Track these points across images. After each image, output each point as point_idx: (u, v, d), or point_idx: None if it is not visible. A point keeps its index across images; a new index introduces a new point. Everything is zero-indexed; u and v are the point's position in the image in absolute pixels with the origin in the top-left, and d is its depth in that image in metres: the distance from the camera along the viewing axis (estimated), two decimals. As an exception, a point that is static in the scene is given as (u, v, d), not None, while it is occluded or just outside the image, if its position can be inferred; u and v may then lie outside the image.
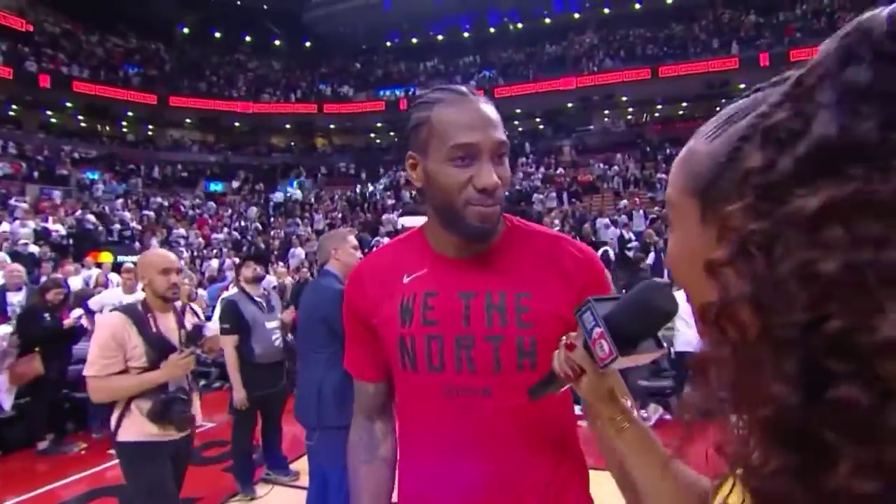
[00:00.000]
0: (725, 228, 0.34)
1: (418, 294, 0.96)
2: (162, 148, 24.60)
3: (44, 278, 7.94)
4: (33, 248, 10.59)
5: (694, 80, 21.11)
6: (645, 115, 24.82)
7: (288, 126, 26.84)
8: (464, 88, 0.96)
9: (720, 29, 22.44)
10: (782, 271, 0.30)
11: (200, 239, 13.97)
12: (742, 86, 19.23)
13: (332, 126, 27.41)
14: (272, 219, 17.94)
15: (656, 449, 0.68)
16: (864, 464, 0.26)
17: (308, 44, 30.83)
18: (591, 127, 24.83)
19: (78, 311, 4.40)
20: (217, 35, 30.12)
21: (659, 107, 24.58)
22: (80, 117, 24.41)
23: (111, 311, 2.45)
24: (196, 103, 24.28)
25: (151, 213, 16.36)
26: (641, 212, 12.54)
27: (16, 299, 4.54)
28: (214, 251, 13.33)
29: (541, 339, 0.90)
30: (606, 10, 26.11)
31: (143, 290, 2.35)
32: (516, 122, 27.02)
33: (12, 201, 15.27)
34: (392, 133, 27.82)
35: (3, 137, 20.47)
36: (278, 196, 19.60)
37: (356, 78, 28.14)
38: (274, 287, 6.75)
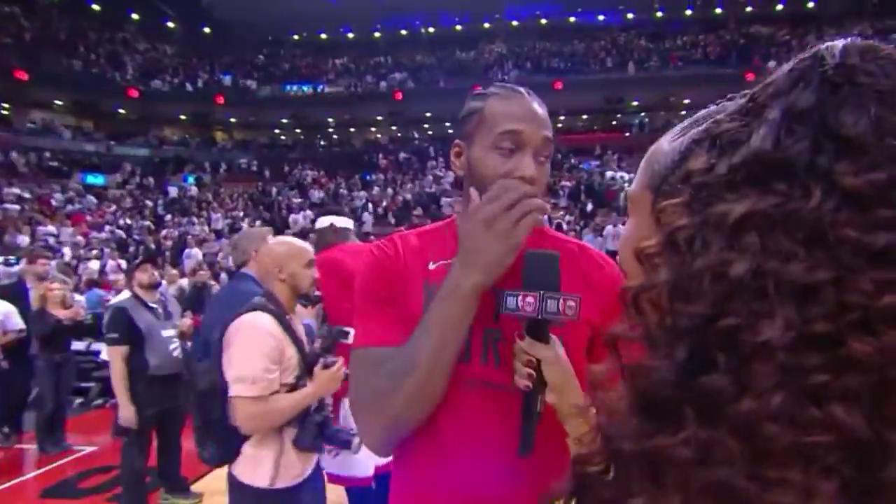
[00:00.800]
0: (660, 221, 0.37)
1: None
2: (23, 131, 21.49)
3: None
4: None
5: (593, 95, 22.65)
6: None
7: (183, 117, 24.87)
8: (521, 88, 0.98)
9: (617, 49, 24.29)
10: (697, 266, 0.32)
11: (79, 237, 12.46)
12: (635, 102, 21.00)
13: (233, 120, 25.84)
14: (164, 217, 16.49)
15: None
16: (698, 439, 0.29)
17: (207, 30, 28.84)
18: (499, 134, 25.73)
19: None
20: (95, 7, 27.09)
21: (562, 118, 26.03)
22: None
23: (251, 310, 1.76)
24: (67, 81, 21.46)
25: (13, 207, 14.30)
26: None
27: None
28: (94, 251, 11.95)
29: (568, 342, 0.91)
30: (515, 23, 27.20)
31: (274, 284, 1.87)
32: (426, 126, 27.30)
33: None
34: (298, 130, 26.85)
35: None
36: (172, 192, 18.05)
37: (261, 70, 26.78)
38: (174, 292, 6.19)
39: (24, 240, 11.48)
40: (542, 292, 0.76)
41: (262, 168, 22.07)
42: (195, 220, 14.89)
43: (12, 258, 8.90)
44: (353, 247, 2.29)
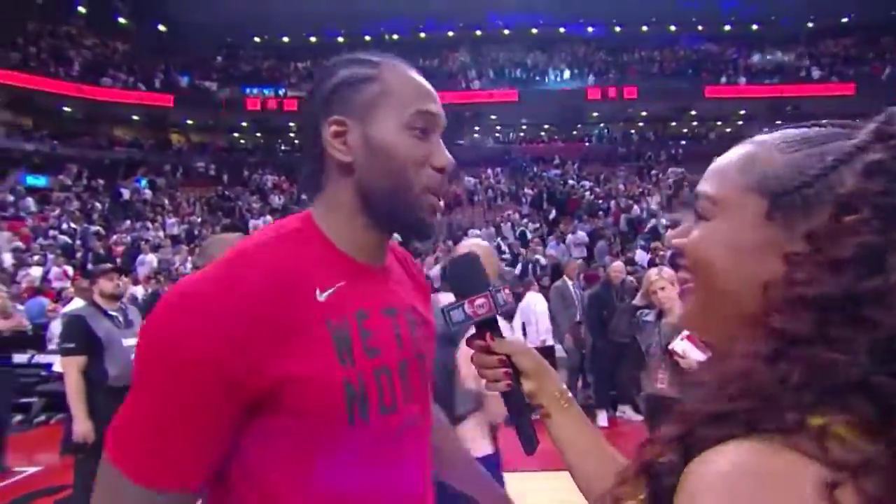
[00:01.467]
0: (825, 232, 0.42)
1: (349, 315, 0.71)
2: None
3: None
4: None
5: (554, 105, 23.18)
6: (510, 133, 26.59)
7: (136, 118, 23.86)
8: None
9: (577, 61, 24.97)
10: (892, 281, 0.37)
11: (18, 242, 11.70)
12: (595, 114, 21.61)
13: (189, 122, 24.98)
14: (113, 222, 15.71)
15: (595, 431, 0.77)
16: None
17: (161, 27, 27.87)
18: (462, 142, 25.92)
19: None
20: (39, 1, 25.74)
21: (524, 127, 26.51)
22: None
23: None
24: (7, 77, 20.26)
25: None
26: (510, 224, 13.29)
27: None
28: (36, 257, 11.25)
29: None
30: (478, 32, 27.54)
31: None
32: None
33: None
34: (259, 134, 26.23)
35: None
36: (125, 195, 17.23)
37: (219, 72, 26.03)
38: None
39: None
40: (489, 289, 0.74)
41: (221, 172, 21.41)
42: (149, 224, 14.27)
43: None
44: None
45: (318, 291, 0.69)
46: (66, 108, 22.72)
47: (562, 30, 27.24)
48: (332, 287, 0.70)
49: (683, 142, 23.03)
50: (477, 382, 1.93)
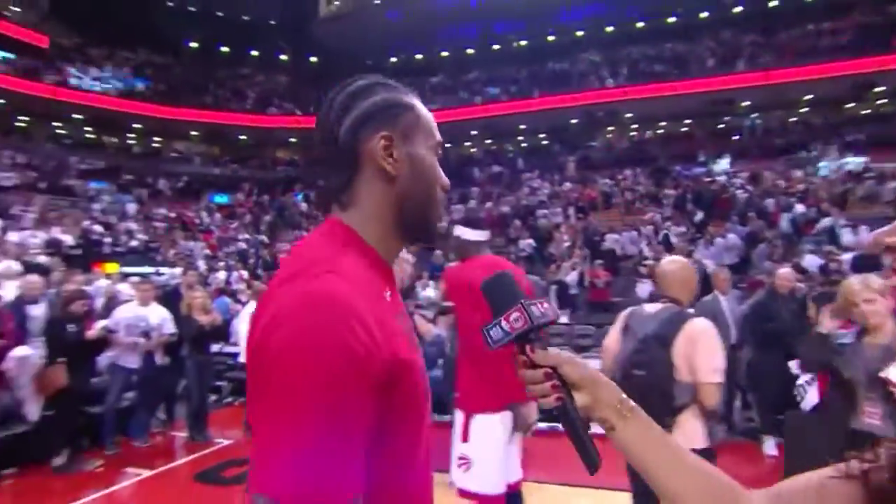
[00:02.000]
0: None
1: (401, 314, 0.78)
2: (167, 160, 24.67)
3: (52, 290, 7.88)
4: (42, 259, 10.51)
5: (696, 98, 21.30)
6: (647, 131, 25.00)
7: (293, 140, 26.96)
8: None
9: (721, 49, 22.70)
10: None
11: (208, 251, 13.90)
12: (747, 103, 19.29)
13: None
14: (276, 232, 17.89)
15: (667, 438, 0.70)
16: None
17: (314, 59, 31.16)
18: (595, 143, 25.01)
19: (103, 322, 4.34)
20: (224, 49, 30.46)
21: (662, 124, 24.76)
22: (88, 129, 24.54)
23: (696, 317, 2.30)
24: (202, 116, 24.41)
25: (161, 225, 16.34)
26: (651, 228, 12.50)
27: (36, 311, 4.47)
28: (221, 263, 13.24)
29: None
30: (609, 29, 26.45)
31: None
32: (520, 139, 27.26)
33: (19, 210, 15.26)
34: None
35: (11, 148, 20.56)
36: (285, 208, 19.57)
37: (361, 93, 28.28)
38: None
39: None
40: (521, 302, 0.73)
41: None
42: (304, 234, 15.97)
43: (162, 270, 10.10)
44: (487, 260, 2.31)
45: (386, 292, 0.76)
46: (241, 137, 26.48)
47: (704, 14, 25.04)
48: (389, 289, 0.77)
49: (864, 125, 19.51)
50: (692, 377, 2.08)
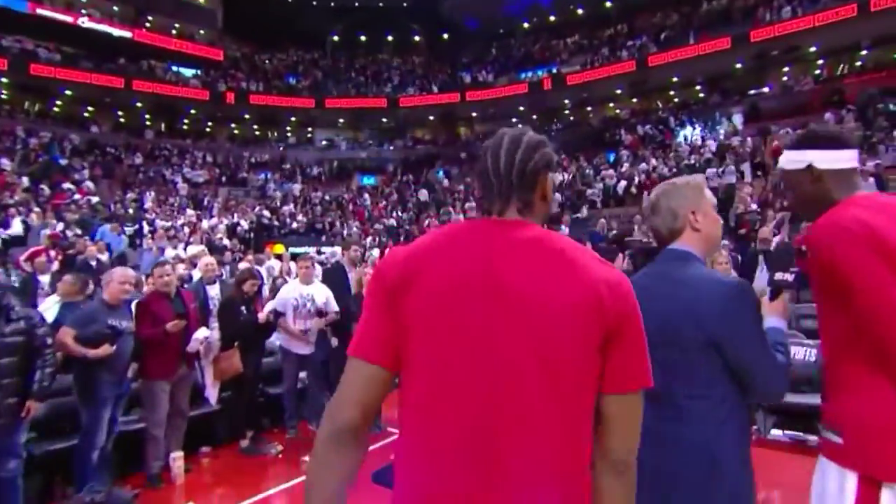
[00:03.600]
0: None
1: None
2: (319, 148, 26.30)
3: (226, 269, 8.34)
4: (227, 242, 11.49)
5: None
6: (842, 66, 20.28)
7: (431, 118, 26.97)
8: None
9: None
10: None
11: (355, 229, 14.27)
12: None
13: (474, 114, 26.94)
14: (422, 209, 17.87)
15: None
16: None
17: (446, 36, 30.74)
18: (767, 89, 21.00)
19: (271, 304, 4.12)
20: (363, 38, 31.43)
21: (863, 53, 19.88)
22: (255, 126, 27.10)
23: None
24: (347, 103, 25.45)
25: (318, 208, 17.27)
26: (871, 180, 9.80)
27: (213, 292, 4.43)
28: (375, 241, 13.44)
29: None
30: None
31: None
32: (672, 93, 24.07)
33: (211, 203, 17.15)
34: (535, 116, 26.56)
35: (202, 150, 23.46)
36: (422, 194, 19.48)
37: (494, 63, 27.31)
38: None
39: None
40: None
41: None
42: (451, 209, 15.66)
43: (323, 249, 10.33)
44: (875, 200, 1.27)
45: None
46: (383, 119, 27.18)
47: None
48: None
49: None
50: None
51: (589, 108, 25.76)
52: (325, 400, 4.40)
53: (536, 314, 0.82)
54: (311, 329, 4.04)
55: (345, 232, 14.99)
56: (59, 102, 23.02)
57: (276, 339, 4.32)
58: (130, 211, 13.66)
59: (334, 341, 4.33)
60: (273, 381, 4.36)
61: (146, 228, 11.84)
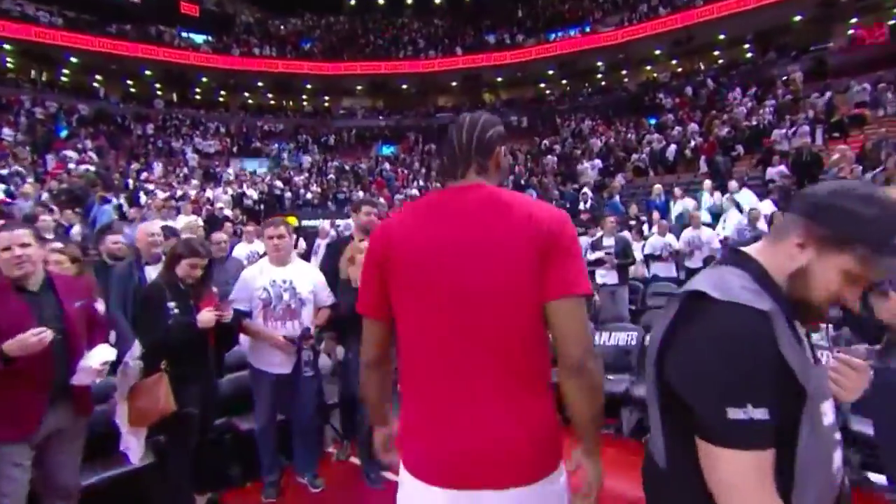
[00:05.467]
0: None
1: None
2: (336, 117, 24.65)
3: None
4: (228, 213, 10.09)
5: None
6: (919, 16, 17.65)
7: (454, 83, 25.00)
8: None
9: None
10: None
11: (381, 200, 12.74)
12: None
13: (500, 79, 24.87)
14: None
15: None
16: None
17: (469, -3, 28.49)
18: (831, 44, 18.49)
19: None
20: (380, 1, 29.34)
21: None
22: (270, 95, 25.52)
23: None
24: (364, 68, 23.58)
25: (333, 178, 15.77)
26: None
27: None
28: (393, 210, 11.93)
29: None
30: None
31: None
32: (716, 53, 21.66)
33: (221, 173, 15.81)
34: (565, 81, 24.41)
35: (215, 120, 22.05)
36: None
37: (521, 25, 25.07)
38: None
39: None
40: None
41: (534, 124, 20.43)
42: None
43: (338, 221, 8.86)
44: None
45: None
46: (403, 86, 25.30)
47: None
48: None
49: None
50: None
51: (624, 72, 23.48)
52: (318, 439, 2.88)
53: (486, 252, 1.01)
54: (297, 332, 2.53)
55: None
56: (66, 71, 21.80)
57: (244, 345, 2.80)
58: (131, 182, 12.37)
59: (340, 352, 2.83)
60: (245, 410, 2.91)
61: (143, 199, 10.51)
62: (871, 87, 13.17)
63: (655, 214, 7.44)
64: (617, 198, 9.33)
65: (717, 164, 10.55)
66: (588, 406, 1.00)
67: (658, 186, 8.51)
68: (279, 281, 2.58)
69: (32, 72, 20.84)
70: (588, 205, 9.18)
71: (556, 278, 0.99)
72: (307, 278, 2.69)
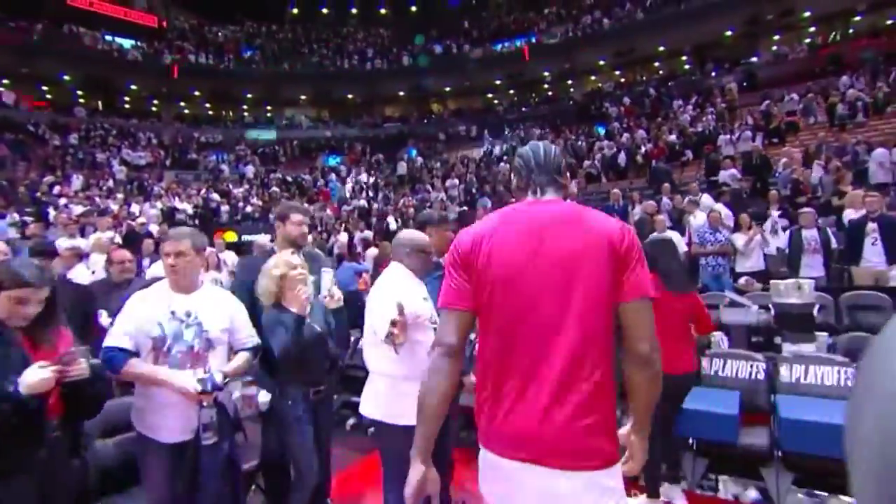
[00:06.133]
0: None
1: None
2: (281, 127, 23.54)
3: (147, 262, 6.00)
4: (154, 228, 9.01)
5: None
6: (834, 33, 18.89)
7: (401, 93, 24.53)
8: None
9: None
10: None
11: (328, 212, 11.95)
12: None
13: (447, 88, 24.62)
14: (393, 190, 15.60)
15: None
16: None
17: (414, 8, 28.22)
18: (755, 59, 19.46)
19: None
20: (325, 11, 28.57)
21: (857, 19, 18.54)
22: (207, 105, 24.08)
23: None
24: (308, 80, 22.75)
25: (276, 190, 14.79)
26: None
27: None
28: (342, 225, 11.16)
29: None
30: None
31: None
32: (656, 65, 22.37)
33: (152, 186, 14.51)
34: (512, 91, 24.49)
35: (146, 130, 20.43)
36: (401, 167, 17.24)
37: (467, 35, 25.03)
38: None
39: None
40: None
41: (482, 133, 20.21)
42: (430, 188, 13.51)
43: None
44: None
45: None
46: (349, 96, 24.57)
47: None
48: None
49: None
50: None
51: (570, 82, 23.83)
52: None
53: (568, 259, 1.15)
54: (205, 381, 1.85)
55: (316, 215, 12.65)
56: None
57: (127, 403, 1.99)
58: (40, 196, 10.97)
59: (264, 398, 2.14)
60: (132, 484, 2.07)
61: (52, 215, 9.25)
62: (799, 97, 13.76)
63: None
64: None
65: (659, 171, 10.46)
66: (652, 395, 1.18)
67: (616, 191, 8.28)
68: (180, 313, 1.90)
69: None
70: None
71: (630, 283, 1.15)
72: (221, 310, 2.00)
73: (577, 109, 19.84)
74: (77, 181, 13.75)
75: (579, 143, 14.74)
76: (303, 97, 24.58)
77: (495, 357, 1.18)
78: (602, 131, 16.10)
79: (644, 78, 21.83)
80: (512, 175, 1.34)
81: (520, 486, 1.11)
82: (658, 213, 6.65)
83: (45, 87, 20.76)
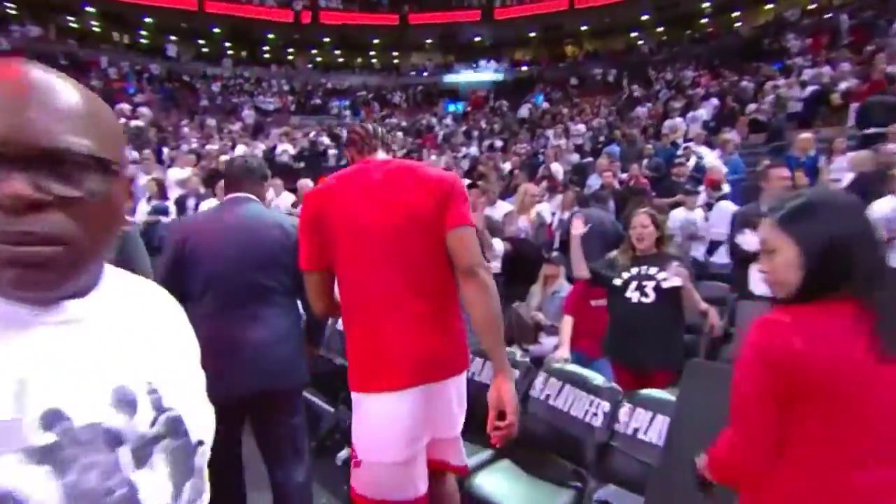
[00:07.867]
0: None
1: None
2: (404, 74, 22.81)
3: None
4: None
5: None
6: None
7: (533, 34, 22.13)
8: None
9: None
10: None
11: (433, 157, 10.83)
12: None
13: (584, 27, 21.62)
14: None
15: None
16: None
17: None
18: None
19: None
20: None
21: None
22: (337, 52, 24.15)
23: None
24: (433, 18, 21.34)
25: (400, 134, 14.09)
26: None
27: None
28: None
29: None
30: None
31: None
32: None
33: (269, 129, 14.67)
34: (661, 29, 20.71)
35: (280, 77, 21.10)
36: (523, 111, 15.42)
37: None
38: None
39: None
40: None
41: (621, 78, 17.35)
42: (549, 133, 11.65)
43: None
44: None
45: None
46: (476, 38, 22.86)
47: None
48: None
49: None
50: None
51: (736, 14, 19.34)
52: None
53: (402, 202, 1.33)
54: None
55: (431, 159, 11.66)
56: (144, 33, 21.74)
57: None
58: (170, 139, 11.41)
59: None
60: None
61: (165, 153, 9.42)
62: None
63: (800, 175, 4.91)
64: (736, 154, 6.71)
65: (875, 106, 7.12)
66: (485, 306, 1.31)
67: (807, 135, 5.80)
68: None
69: (115, 34, 20.99)
70: (692, 163, 6.60)
71: (450, 215, 1.34)
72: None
73: (743, 45, 15.92)
74: (210, 124, 14.33)
75: (742, 83, 11.57)
76: (428, 41, 23.45)
77: (352, 305, 1.37)
78: (776, 70, 12.48)
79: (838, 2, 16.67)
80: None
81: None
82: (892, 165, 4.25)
83: (200, 41, 22.34)
